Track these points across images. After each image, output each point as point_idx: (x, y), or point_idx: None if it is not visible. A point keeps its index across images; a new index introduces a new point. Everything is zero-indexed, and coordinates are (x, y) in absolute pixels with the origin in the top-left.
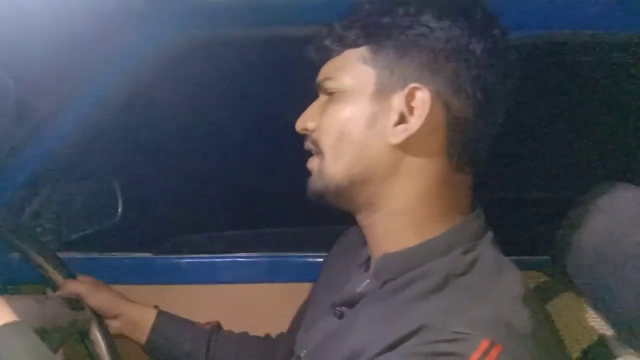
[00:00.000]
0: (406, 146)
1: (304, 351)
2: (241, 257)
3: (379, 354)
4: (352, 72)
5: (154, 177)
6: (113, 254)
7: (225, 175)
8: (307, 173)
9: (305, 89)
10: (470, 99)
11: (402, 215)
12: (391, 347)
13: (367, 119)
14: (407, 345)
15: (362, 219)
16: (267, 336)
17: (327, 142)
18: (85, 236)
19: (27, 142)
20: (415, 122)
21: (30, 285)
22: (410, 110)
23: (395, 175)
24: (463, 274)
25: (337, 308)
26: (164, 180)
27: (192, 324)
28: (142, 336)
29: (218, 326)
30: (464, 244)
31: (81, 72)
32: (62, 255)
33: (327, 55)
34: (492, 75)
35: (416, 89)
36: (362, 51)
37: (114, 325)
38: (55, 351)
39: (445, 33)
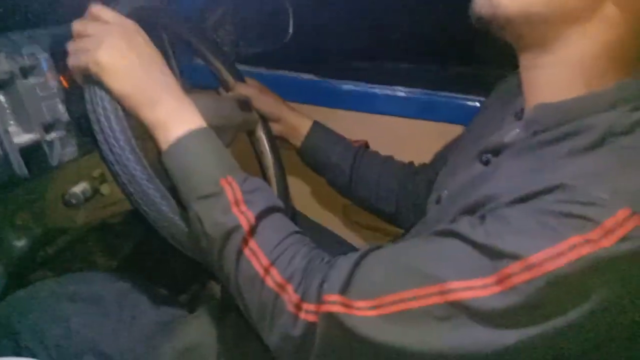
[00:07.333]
0: None
1: (445, 191)
2: (400, 90)
3: (510, 203)
4: None
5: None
6: (280, 71)
7: (391, 8)
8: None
9: None
10: None
11: (574, 66)
12: (524, 199)
13: None
14: (540, 200)
15: (526, 59)
16: (410, 163)
17: None
18: (257, 53)
19: None
20: None
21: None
22: None
23: (584, 20)
24: (624, 133)
25: (484, 155)
26: (334, 7)
27: (342, 138)
28: (298, 141)
29: (366, 145)
30: (634, 100)
31: None
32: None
33: None
34: None
35: None
36: None
37: (275, 127)
38: (227, 146)
39: None
